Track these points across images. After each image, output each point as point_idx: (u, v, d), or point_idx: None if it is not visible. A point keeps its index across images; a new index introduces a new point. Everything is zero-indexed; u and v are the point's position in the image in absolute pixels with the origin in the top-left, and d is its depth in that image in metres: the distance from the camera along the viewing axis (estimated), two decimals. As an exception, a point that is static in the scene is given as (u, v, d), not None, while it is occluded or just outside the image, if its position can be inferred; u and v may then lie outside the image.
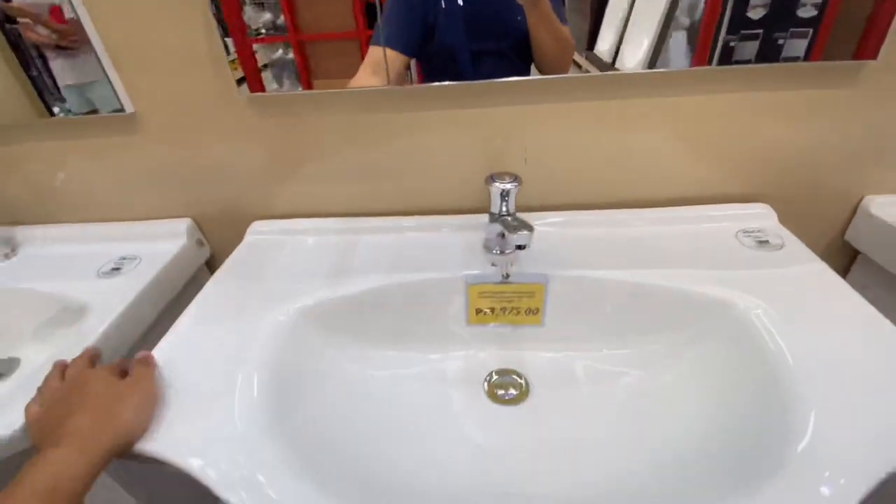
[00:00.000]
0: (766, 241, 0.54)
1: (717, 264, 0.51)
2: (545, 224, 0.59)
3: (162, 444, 0.35)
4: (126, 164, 0.62)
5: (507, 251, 0.52)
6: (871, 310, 0.43)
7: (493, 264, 0.53)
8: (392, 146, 0.58)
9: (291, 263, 0.57)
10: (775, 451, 0.33)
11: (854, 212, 0.60)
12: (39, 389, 0.38)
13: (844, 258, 0.65)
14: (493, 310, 0.55)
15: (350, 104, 0.55)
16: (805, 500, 0.30)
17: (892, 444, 0.32)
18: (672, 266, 0.51)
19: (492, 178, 0.49)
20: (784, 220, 0.58)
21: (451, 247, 0.57)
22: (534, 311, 0.54)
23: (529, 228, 0.45)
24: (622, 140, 0.56)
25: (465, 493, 0.40)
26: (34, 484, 0.29)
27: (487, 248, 0.53)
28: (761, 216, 0.57)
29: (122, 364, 0.40)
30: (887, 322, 0.42)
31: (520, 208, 0.58)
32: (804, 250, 0.52)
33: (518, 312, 0.55)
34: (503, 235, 0.51)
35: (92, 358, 0.41)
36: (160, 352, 0.44)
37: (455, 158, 0.58)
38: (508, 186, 0.48)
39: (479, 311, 0.55)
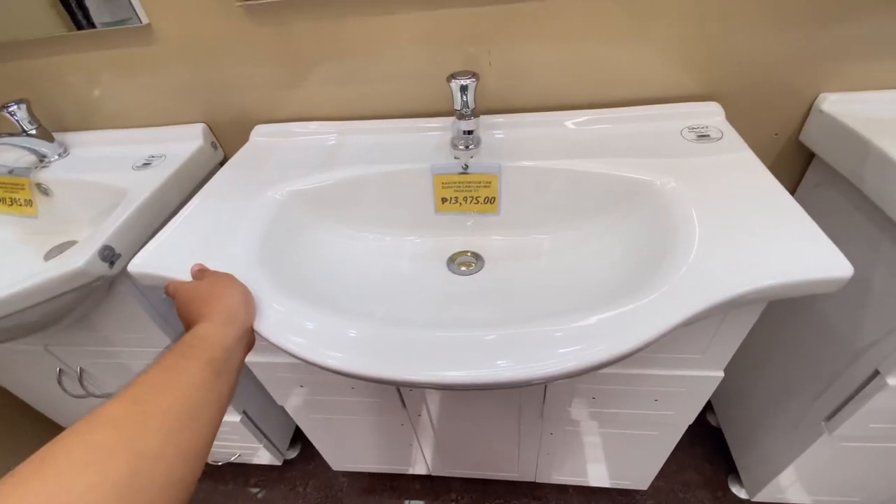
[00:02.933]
0: (707, 136, 0.58)
1: (653, 155, 0.56)
2: (505, 124, 0.65)
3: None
4: (148, 76, 0.71)
5: (469, 146, 0.59)
6: (779, 187, 0.49)
7: (455, 157, 0.60)
8: (373, 52, 0.64)
9: (287, 158, 0.66)
10: (669, 270, 0.42)
11: (809, 111, 0.63)
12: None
13: (800, 160, 0.68)
14: (456, 199, 0.63)
15: (331, 8, 0.61)
16: (686, 298, 0.39)
17: (748, 276, 0.40)
18: (614, 156, 0.57)
19: (452, 77, 0.55)
20: (737, 120, 0.61)
21: (424, 145, 0.65)
22: (490, 201, 0.62)
23: (476, 115, 0.52)
24: (583, 43, 0.60)
25: (423, 323, 0.51)
26: (196, 355, 0.32)
27: (453, 144, 0.60)
28: (710, 114, 0.61)
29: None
30: (788, 196, 0.47)
31: (486, 111, 0.65)
32: (739, 143, 0.57)
33: (478, 202, 0.63)
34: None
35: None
36: (181, 218, 0.56)
37: (429, 64, 0.64)
38: (466, 82, 0.55)
39: (444, 199, 0.63)
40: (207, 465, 1.05)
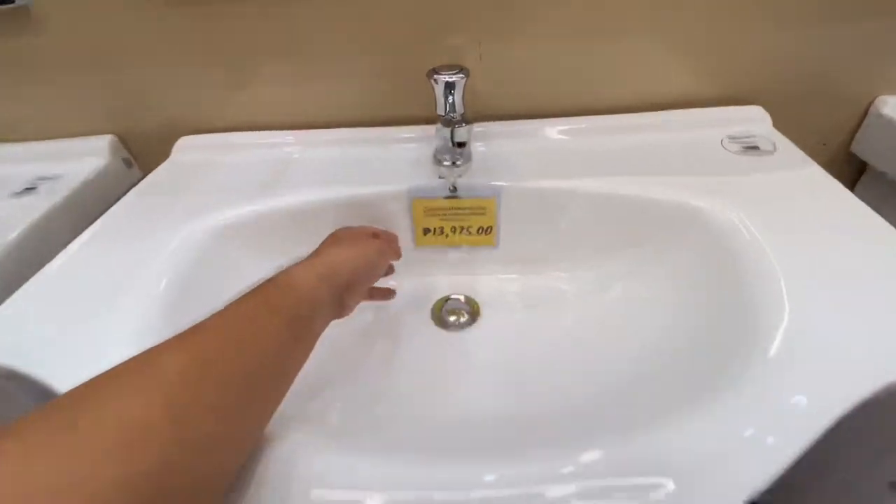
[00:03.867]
0: (755, 147, 0.47)
1: (694, 171, 0.44)
2: (502, 133, 0.52)
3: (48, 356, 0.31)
4: (37, 76, 0.54)
5: (458, 161, 0.46)
6: (872, 215, 0.37)
7: (440, 177, 0.47)
8: (334, 43, 0.50)
9: (221, 179, 0.51)
10: (742, 362, 0.28)
11: (864, 117, 0.52)
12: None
13: (851, 174, 0.58)
14: (442, 229, 0.49)
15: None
16: (773, 413, 0.25)
17: (883, 359, 0.27)
18: (642, 174, 0.44)
19: (435, 72, 0.42)
20: (781, 125, 0.50)
21: (400, 160, 0.51)
22: (486, 231, 0.48)
23: (467, 122, 0.39)
24: (599, 34, 0.48)
25: (405, 422, 0.36)
26: (280, 307, 0.27)
27: (437, 159, 0.46)
28: (753, 120, 0.50)
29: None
30: (890, 228, 0.36)
31: (477, 117, 0.51)
32: (798, 154, 0.45)
33: (470, 232, 0.49)
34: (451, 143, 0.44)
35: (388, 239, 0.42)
36: (52, 269, 0.39)
37: (405, 59, 0.51)
38: (452, 78, 0.41)
39: (427, 230, 0.49)
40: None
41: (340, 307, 0.33)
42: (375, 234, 0.41)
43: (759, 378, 0.27)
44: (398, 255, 0.44)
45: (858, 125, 0.53)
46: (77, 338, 0.32)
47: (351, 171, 0.50)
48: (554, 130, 0.51)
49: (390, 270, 0.46)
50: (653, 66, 0.50)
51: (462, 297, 0.49)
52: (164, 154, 0.58)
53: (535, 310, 0.46)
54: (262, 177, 0.50)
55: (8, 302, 0.36)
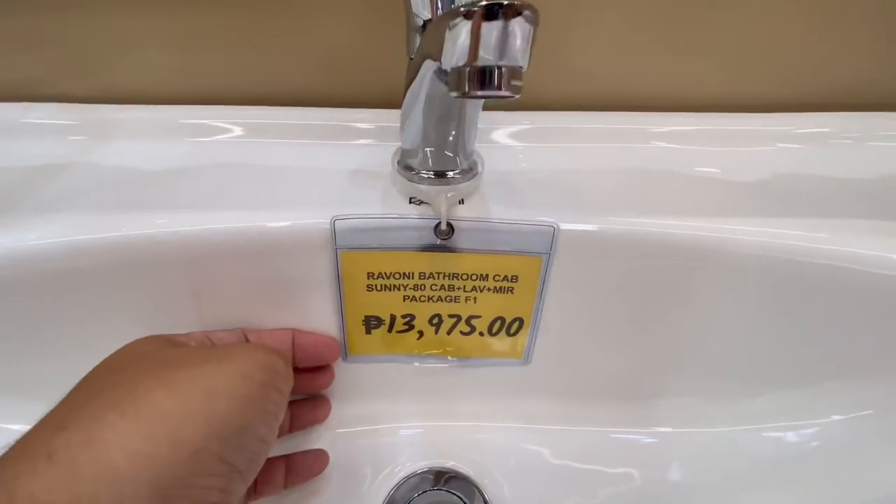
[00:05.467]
0: None
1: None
2: (540, 132, 0.27)
3: None
4: None
5: (453, 170, 0.19)
6: None
7: (411, 200, 0.20)
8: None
9: None
10: None
11: None
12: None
13: None
14: (410, 321, 0.21)
15: None
16: None
17: None
18: (827, 215, 0.20)
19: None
20: None
21: (324, 168, 0.24)
22: (511, 328, 0.21)
23: (519, 11, 0.12)
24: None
25: None
26: None
27: (404, 165, 0.20)
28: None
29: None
30: None
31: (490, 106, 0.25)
32: None
33: (473, 328, 0.22)
34: (448, 84, 0.16)
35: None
36: None
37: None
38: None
39: (373, 322, 0.21)
40: None
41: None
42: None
43: None
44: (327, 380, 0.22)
45: None
46: None
47: (205, 184, 0.22)
48: (642, 132, 0.26)
49: (316, 414, 0.23)
50: (791, 38, 0.28)
51: (450, 479, 0.20)
52: None
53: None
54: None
55: None
